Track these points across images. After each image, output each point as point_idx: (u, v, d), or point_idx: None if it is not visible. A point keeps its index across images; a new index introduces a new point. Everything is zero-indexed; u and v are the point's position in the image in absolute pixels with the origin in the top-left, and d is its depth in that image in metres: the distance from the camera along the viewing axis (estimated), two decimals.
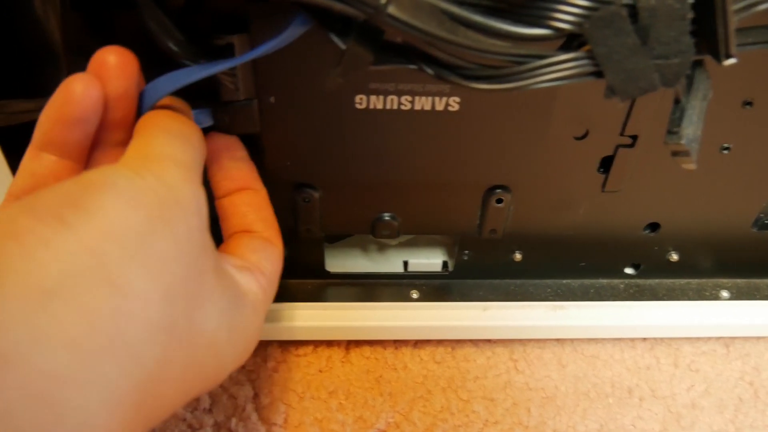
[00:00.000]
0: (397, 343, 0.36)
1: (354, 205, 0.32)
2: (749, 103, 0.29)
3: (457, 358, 0.35)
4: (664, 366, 0.36)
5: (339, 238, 0.37)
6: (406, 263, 0.37)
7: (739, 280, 0.38)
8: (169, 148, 0.21)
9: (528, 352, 0.36)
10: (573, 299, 0.36)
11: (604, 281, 0.37)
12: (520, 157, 0.30)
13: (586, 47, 0.22)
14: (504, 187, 0.32)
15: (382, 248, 0.38)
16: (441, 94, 0.27)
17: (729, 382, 0.36)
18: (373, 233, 0.33)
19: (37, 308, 0.16)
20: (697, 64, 0.25)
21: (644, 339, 0.37)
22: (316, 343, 0.35)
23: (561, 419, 0.34)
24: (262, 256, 0.26)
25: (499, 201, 0.32)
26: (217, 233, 0.27)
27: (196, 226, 0.21)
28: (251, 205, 0.28)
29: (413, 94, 0.27)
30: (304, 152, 0.29)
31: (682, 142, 0.25)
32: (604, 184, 0.32)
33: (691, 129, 0.25)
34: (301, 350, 0.35)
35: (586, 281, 0.37)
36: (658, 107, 0.29)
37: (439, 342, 0.36)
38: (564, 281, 0.37)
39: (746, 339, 0.38)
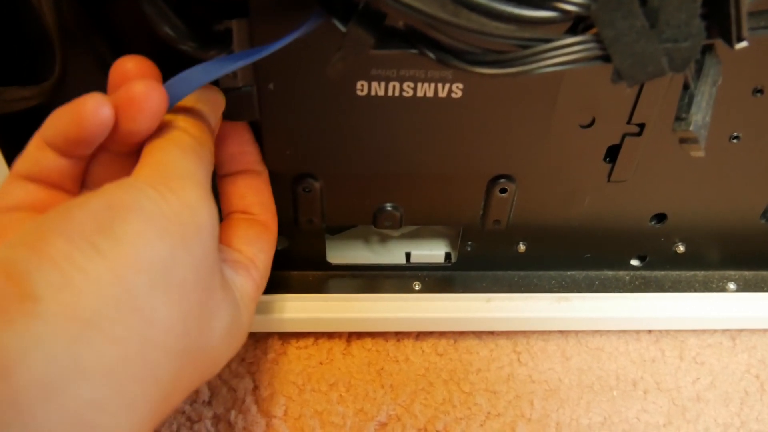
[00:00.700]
0: (399, 335, 0.36)
1: (355, 195, 0.31)
2: (760, 91, 0.28)
3: (459, 351, 0.35)
4: (670, 358, 0.36)
5: (340, 229, 0.37)
6: (408, 255, 0.36)
7: (746, 272, 0.37)
8: (185, 164, 0.22)
9: (531, 345, 0.36)
10: (578, 291, 0.36)
11: (610, 273, 0.37)
12: (525, 145, 0.29)
13: (593, 30, 0.21)
14: (508, 177, 0.31)
15: (384, 239, 0.37)
16: (444, 81, 0.26)
17: (735, 375, 0.35)
18: (375, 224, 0.33)
19: (78, 338, 0.17)
20: (707, 49, 0.24)
21: (649, 331, 0.37)
22: (317, 335, 0.35)
23: (564, 412, 0.33)
24: (257, 247, 0.27)
25: (503, 191, 0.31)
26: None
27: (210, 247, 0.22)
28: (251, 187, 0.28)
29: (415, 80, 0.26)
30: (304, 141, 0.29)
31: (691, 128, 0.25)
32: (610, 174, 0.31)
33: (699, 115, 0.25)
34: (302, 342, 0.35)
35: (591, 273, 0.37)
36: (666, 94, 0.28)
37: (442, 334, 0.36)
38: (568, 273, 0.37)
39: (753, 331, 0.37)
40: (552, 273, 0.36)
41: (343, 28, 0.22)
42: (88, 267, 0.18)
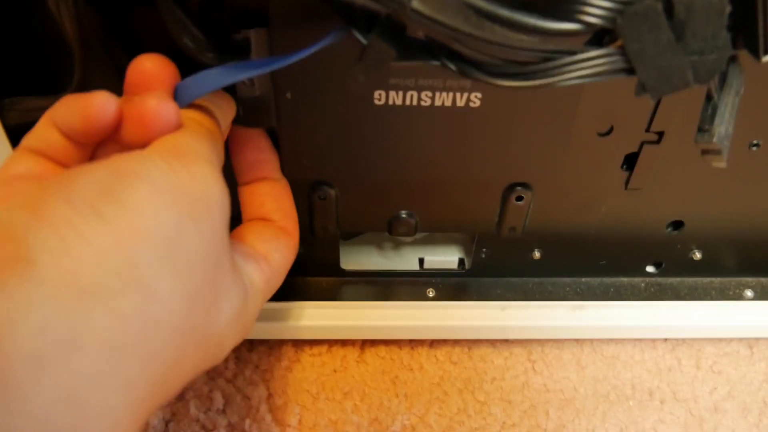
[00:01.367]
0: (413, 343, 0.35)
1: (371, 202, 0.31)
2: None
3: (473, 359, 0.35)
4: (686, 367, 0.35)
5: (354, 234, 0.37)
6: (422, 260, 0.36)
7: (763, 279, 0.37)
8: (197, 144, 0.21)
9: (546, 353, 0.35)
10: (593, 298, 0.35)
11: (625, 280, 0.37)
12: (542, 153, 0.29)
13: (617, 43, 0.21)
14: (524, 185, 0.31)
15: (397, 245, 0.37)
16: (462, 90, 0.26)
17: (753, 385, 0.35)
18: (390, 231, 0.33)
19: (75, 308, 0.16)
20: (731, 59, 0.24)
21: (665, 339, 0.37)
22: (331, 343, 0.35)
23: (580, 422, 0.33)
24: (272, 246, 0.26)
25: (519, 199, 0.31)
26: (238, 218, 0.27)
27: (220, 225, 0.21)
28: (270, 195, 0.28)
29: (434, 89, 0.26)
30: (321, 149, 0.28)
31: (714, 140, 0.24)
32: (627, 182, 0.31)
33: (723, 127, 0.24)
34: (316, 349, 0.35)
35: (607, 280, 0.36)
36: (686, 102, 0.28)
37: (456, 341, 0.35)
38: (583, 280, 0.36)
39: None
40: (567, 280, 0.36)
41: (364, 41, 0.22)
42: (89, 233, 0.17)
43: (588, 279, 0.36)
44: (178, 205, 0.19)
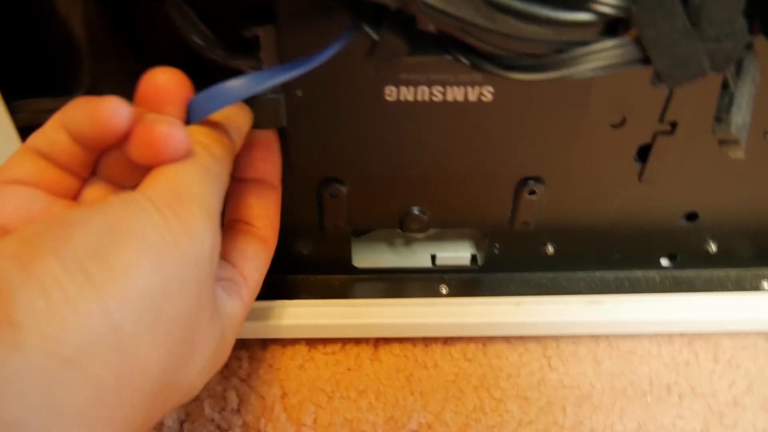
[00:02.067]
0: (427, 340, 0.35)
1: (382, 199, 0.31)
2: None
3: (488, 356, 0.35)
4: (704, 362, 0.35)
5: (365, 231, 0.36)
6: (434, 257, 0.36)
7: None
8: (198, 187, 0.21)
9: (562, 348, 0.35)
10: (607, 293, 0.35)
11: (639, 273, 0.36)
12: (555, 147, 0.29)
13: (632, 32, 0.21)
14: (537, 179, 0.30)
15: (409, 241, 0.37)
16: (474, 84, 0.26)
17: None
18: (401, 228, 0.32)
19: (56, 376, 0.16)
20: (747, 47, 0.23)
21: (682, 333, 0.36)
22: (344, 341, 0.35)
23: (598, 419, 0.33)
24: (253, 263, 0.26)
25: (532, 193, 0.31)
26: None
27: (206, 279, 0.21)
28: (261, 199, 0.27)
29: (445, 84, 0.26)
30: (331, 146, 0.28)
31: (732, 130, 0.24)
32: (640, 174, 0.31)
33: (740, 116, 0.24)
34: (329, 348, 0.35)
35: (621, 273, 0.36)
36: (699, 91, 0.28)
37: (470, 338, 0.35)
38: (597, 274, 0.36)
39: None
40: (581, 274, 0.36)
41: (375, 35, 0.22)
42: (76, 296, 0.17)
43: (602, 273, 0.36)
44: (167, 267, 0.19)
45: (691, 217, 0.34)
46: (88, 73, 0.24)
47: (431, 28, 0.22)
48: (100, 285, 0.17)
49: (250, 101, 0.25)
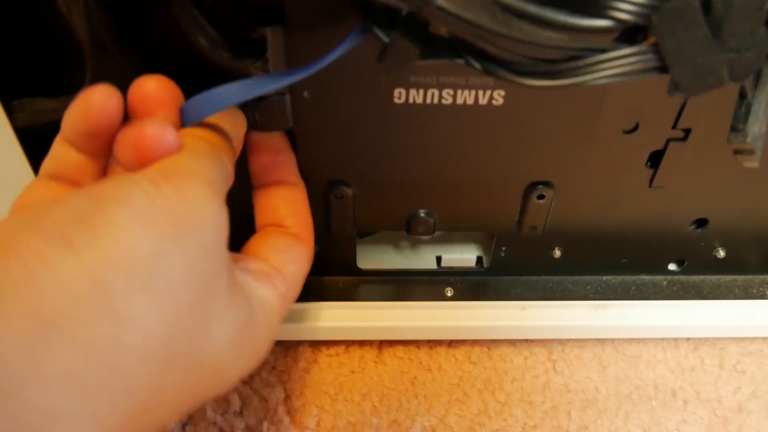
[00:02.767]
0: (432, 343, 0.35)
1: (389, 202, 0.31)
2: None
3: (493, 359, 0.34)
4: (709, 367, 0.35)
5: (371, 232, 0.36)
6: (439, 259, 0.35)
7: None
8: (197, 164, 0.20)
9: (567, 352, 0.35)
10: (614, 297, 0.35)
11: (647, 278, 0.36)
12: (565, 151, 0.28)
13: (650, 40, 0.20)
14: (546, 183, 0.30)
15: (414, 244, 0.36)
16: (485, 88, 0.25)
17: None
18: (407, 230, 0.32)
19: (36, 340, 0.15)
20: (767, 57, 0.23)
21: (688, 338, 0.36)
22: (348, 343, 0.35)
23: (603, 423, 0.33)
24: (286, 257, 0.25)
25: (541, 197, 0.30)
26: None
27: (213, 245, 0.19)
28: (285, 200, 0.27)
29: (455, 87, 0.25)
30: (338, 149, 0.28)
31: (748, 140, 0.24)
32: (651, 180, 0.30)
33: (757, 126, 0.24)
34: (333, 350, 0.34)
35: (628, 278, 0.36)
36: (715, 99, 0.27)
37: (475, 341, 0.35)
38: (604, 278, 0.36)
39: None
40: (587, 278, 0.36)
41: (386, 39, 0.21)
42: (55, 261, 0.16)
43: (609, 277, 0.36)
44: (159, 227, 0.18)
45: (701, 223, 0.33)
46: (89, 74, 0.23)
47: (444, 31, 0.22)
48: (82, 248, 0.16)
49: (256, 103, 0.25)
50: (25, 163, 0.26)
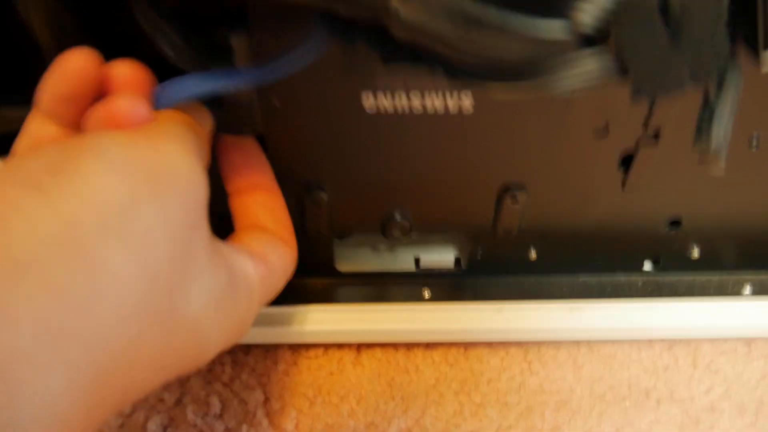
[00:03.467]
0: (409, 345, 0.35)
1: (364, 205, 0.31)
2: None
3: (470, 360, 0.35)
4: (683, 366, 0.35)
5: (349, 234, 0.36)
6: (417, 260, 0.36)
7: (762, 275, 0.36)
8: (174, 128, 0.20)
9: (543, 353, 0.35)
10: (590, 296, 0.35)
11: (622, 278, 0.36)
12: (536, 154, 0.29)
13: (611, 45, 0.21)
14: (519, 186, 0.30)
15: (392, 245, 0.36)
16: (452, 91, 0.26)
17: (750, 384, 0.35)
18: (383, 233, 0.32)
19: (6, 281, 0.15)
20: (729, 58, 0.23)
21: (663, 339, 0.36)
22: (327, 345, 0.35)
23: (576, 423, 0.33)
24: (269, 248, 0.25)
25: (514, 200, 0.31)
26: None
27: (192, 203, 0.20)
28: (263, 206, 0.27)
29: (423, 91, 0.26)
30: (310, 153, 0.28)
31: (711, 147, 0.24)
32: (624, 182, 0.31)
33: (721, 129, 0.24)
34: (312, 352, 0.34)
35: (604, 279, 0.36)
36: (684, 100, 0.27)
37: (452, 343, 0.35)
38: (580, 279, 0.36)
39: None
40: (563, 278, 0.36)
41: (348, 46, 0.21)
42: (27, 206, 0.16)
43: (585, 278, 0.36)
44: (133, 177, 0.18)
45: (675, 223, 0.34)
46: None
47: (405, 37, 0.22)
48: (54, 193, 0.16)
49: (226, 107, 0.25)
50: None
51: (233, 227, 0.27)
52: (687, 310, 0.35)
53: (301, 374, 0.34)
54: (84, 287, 0.16)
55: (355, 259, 0.36)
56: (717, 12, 0.20)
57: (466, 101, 0.26)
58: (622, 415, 0.33)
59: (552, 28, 0.20)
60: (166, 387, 0.33)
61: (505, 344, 0.35)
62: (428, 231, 0.33)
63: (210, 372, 0.33)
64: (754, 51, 0.22)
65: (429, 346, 0.35)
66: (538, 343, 0.35)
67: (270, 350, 0.34)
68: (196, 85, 0.22)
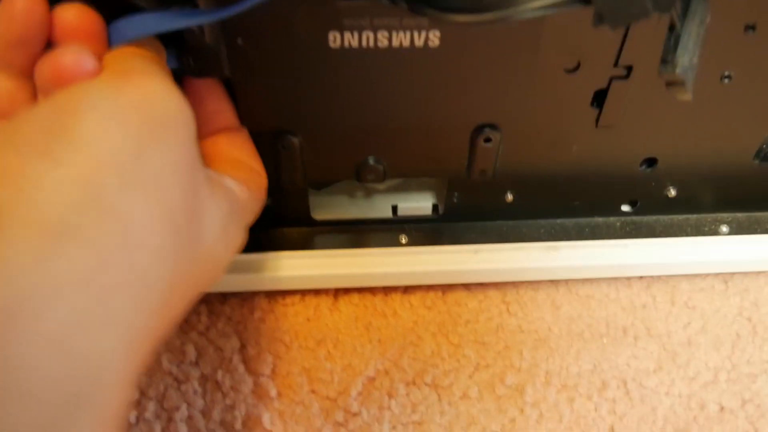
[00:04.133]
0: (387, 290, 0.35)
1: (336, 150, 0.31)
2: (752, 28, 0.27)
3: (448, 303, 0.35)
4: (661, 304, 0.36)
5: (325, 184, 0.36)
6: (395, 207, 0.36)
7: (739, 214, 0.37)
8: (145, 65, 0.20)
9: (521, 295, 0.35)
10: (567, 239, 0.35)
11: (600, 220, 0.36)
12: (508, 92, 0.28)
13: None
14: (492, 126, 0.30)
15: (369, 193, 0.36)
16: (420, 29, 0.25)
17: (726, 319, 0.35)
18: (358, 178, 0.32)
19: (49, 251, 0.15)
20: None
21: (641, 277, 0.37)
22: (304, 292, 0.35)
23: (554, 361, 0.33)
24: (246, 176, 0.26)
25: (488, 140, 0.30)
26: None
27: (186, 139, 0.20)
28: (234, 144, 0.27)
29: (390, 29, 0.25)
30: (279, 97, 0.28)
31: (677, 71, 0.24)
32: (597, 119, 0.30)
33: (686, 57, 0.24)
34: (288, 299, 0.35)
35: (581, 220, 0.36)
36: (654, 34, 0.27)
37: (430, 287, 0.35)
38: (558, 221, 0.36)
39: (745, 274, 0.37)
40: (541, 222, 0.36)
41: None
42: (43, 176, 0.16)
43: (563, 220, 0.36)
44: (133, 126, 0.18)
45: (651, 162, 0.33)
46: None
47: None
48: (65, 159, 0.17)
49: (190, 50, 0.25)
50: None
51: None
52: (665, 247, 0.35)
53: (277, 321, 0.34)
54: (120, 240, 0.17)
55: (331, 208, 0.36)
56: None
57: (432, 34, 0.25)
58: (599, 351, 0.34)
59: None
60: None
61: (483, 287, 0.36)
62: (403, 175, 0.33)
63: (186, 322, 0.34)
64: None
65: (407, 290, 0.35)
66: (517, 285, 0.36)
67: (246, 299, 0.35)
68: (151, 23, 0.21)
